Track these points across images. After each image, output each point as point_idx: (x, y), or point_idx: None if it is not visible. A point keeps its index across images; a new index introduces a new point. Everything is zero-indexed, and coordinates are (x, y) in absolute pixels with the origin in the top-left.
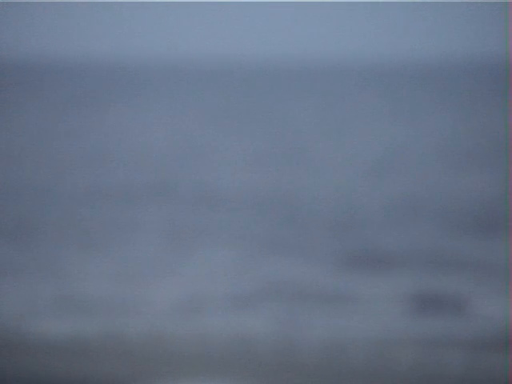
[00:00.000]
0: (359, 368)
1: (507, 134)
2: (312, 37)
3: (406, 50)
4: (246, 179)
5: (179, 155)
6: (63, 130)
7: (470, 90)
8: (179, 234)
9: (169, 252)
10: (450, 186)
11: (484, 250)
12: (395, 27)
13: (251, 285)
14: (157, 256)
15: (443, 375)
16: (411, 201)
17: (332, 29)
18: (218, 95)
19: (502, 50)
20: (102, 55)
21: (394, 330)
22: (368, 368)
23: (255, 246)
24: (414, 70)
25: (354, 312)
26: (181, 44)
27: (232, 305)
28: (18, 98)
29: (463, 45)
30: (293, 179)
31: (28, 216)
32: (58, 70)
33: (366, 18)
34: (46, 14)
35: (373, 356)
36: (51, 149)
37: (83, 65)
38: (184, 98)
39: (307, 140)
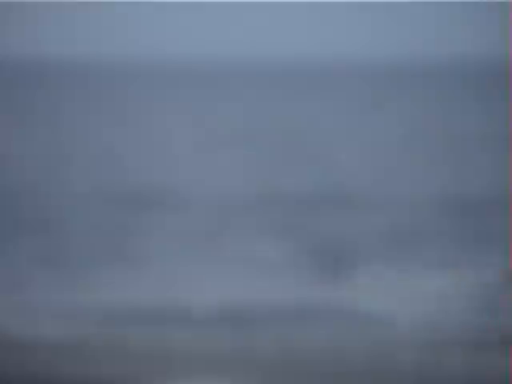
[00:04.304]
0: None
1: (507, 133)
2: (312, 37)
3: (405, 49)
4: (247, 180)
5: (178, 156)
6: (62, 130)
7: (469, 89)
8: (180, 236)
9: (168, 253)
10: (450, 185)
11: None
12: (395, 27)
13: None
14: (160, 258)
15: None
16: (412, 199)
17: (332, 29)
18: (218, 95)
19: (501, 50)
20: (103, 55)
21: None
22: None
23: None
24: (414, 69)
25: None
26: (181, 44)
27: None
28: (18, 98)
29: (463, 45)
30: (293, 177)
31: (26, 216)
32: (58, 70)
33: (366, 18)
34: (46, 14)
35: None
36: (50, 149)
37: (83, 65)
38: (184, 97)
39: (306, 139)
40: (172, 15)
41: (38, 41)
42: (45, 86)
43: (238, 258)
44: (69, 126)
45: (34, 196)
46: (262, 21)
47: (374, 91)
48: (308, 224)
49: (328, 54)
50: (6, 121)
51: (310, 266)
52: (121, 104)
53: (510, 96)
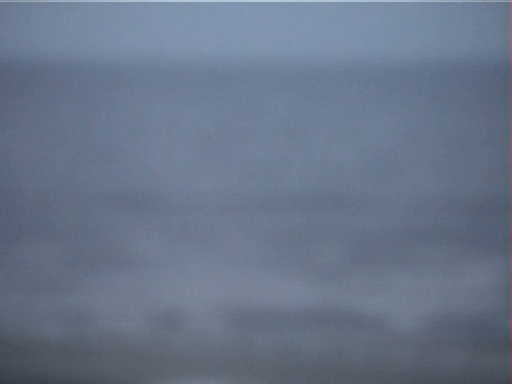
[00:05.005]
0: None
1: (507, 133)
2: (311, 37)
3: (406, 50)
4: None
5: (176, 156)
6: (61, 129)
7: (469, 90)
8: (173, 237)
9: (158, 253)
10: (450, 185)
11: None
12: (395, 27)
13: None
14: (156, 260)
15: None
16: (413, 200)
17: (332, 29)
18: (218, 95)
19: (501, 50)
20: (102, 55)
21: None
22: None
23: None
24: (414, 69)
25: None
26: (181, 44)
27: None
28: (18, 98)
29: (463, 45)
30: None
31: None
32: (58, 70)
33: (366, 18)
34: (46, 14)
35: None
36: (49, 148)
37: (83, 65)
38: (183, 97)
39: (305, 139)
40: (172, 15)
41: (36, 41)
42: (42, 86)
43: (238, 259)
44: (63, 128)
45: (27, 198)
46: (265, 21)
47: (384, 90)
48: (306, 224)
49: (328, 53)
50: (4, 121)
51: (307, 266)
52: (118, 105)
53: (510, 96)
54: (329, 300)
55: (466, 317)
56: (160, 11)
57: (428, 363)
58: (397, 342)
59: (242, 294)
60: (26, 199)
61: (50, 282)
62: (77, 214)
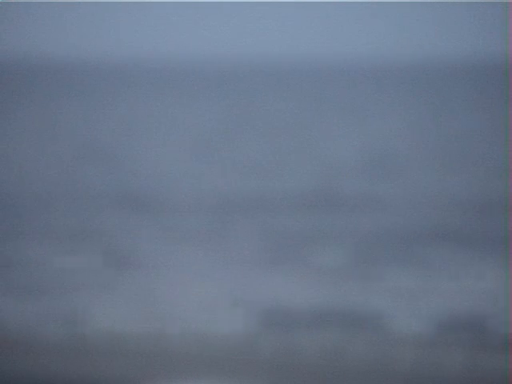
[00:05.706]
0: None
1: (507, 133)
2: (311, 37)
3: (405, 50)
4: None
5: (176, 156)
6: (60, 129)
7: (470, 89)
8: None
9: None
10: (450, 185)
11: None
12: (395, 27)
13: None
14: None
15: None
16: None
17: (332, 29)
18: (218, 95)
19: (501, 49)
20: (102, 55)
21: None
22: None
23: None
24: (414, 69)
25: None
26: (181, 44)
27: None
28: (18, 98)
29: (463, 45)
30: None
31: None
32: (58, 70)
33: (366, 18)
34: (46, 14)
35: None
36: (48, 148)
37: (83, 65)
38: (183, 97)
39: (306, 139)
40: (172, 15)
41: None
42: (42, 86)
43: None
44: (62, 128)
45: (27, 198)
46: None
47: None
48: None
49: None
50: (4, 122)
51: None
52: (117, 105)
53: (510, 96)
54: (329, 300)
55: (466, 317)
56: (160, 11)
57: (429, 363)
58: (398, 343)
59: (241, 294)
60: (26, 199)
61: (50, 282)
62: (76, 214)
